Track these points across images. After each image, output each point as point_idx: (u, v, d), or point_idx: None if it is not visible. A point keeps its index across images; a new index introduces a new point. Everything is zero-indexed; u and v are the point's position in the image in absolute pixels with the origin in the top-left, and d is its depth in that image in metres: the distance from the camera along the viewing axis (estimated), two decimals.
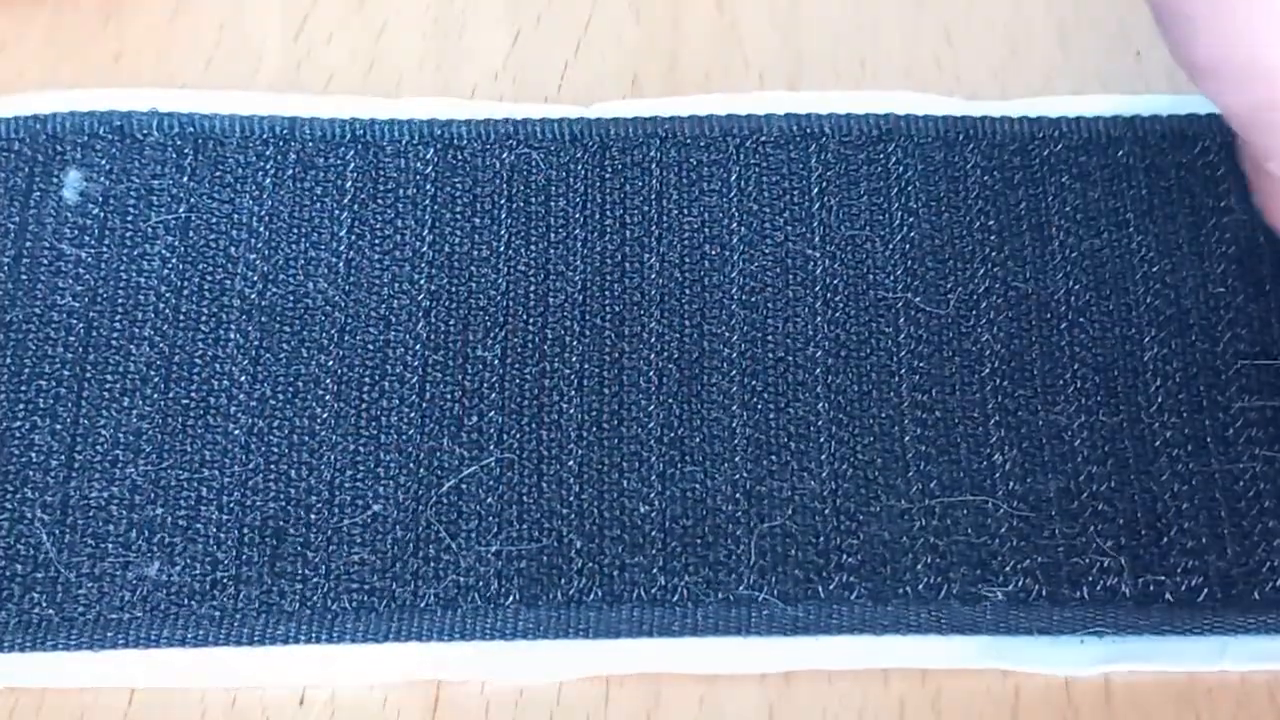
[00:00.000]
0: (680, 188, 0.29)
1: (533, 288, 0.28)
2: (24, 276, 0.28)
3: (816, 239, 0.29)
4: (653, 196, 0.29)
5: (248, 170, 0.30)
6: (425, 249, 0.29)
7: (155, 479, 0.27)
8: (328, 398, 0.27)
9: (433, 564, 0.26)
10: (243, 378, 0.28)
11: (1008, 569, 0.26)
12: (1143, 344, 0.27)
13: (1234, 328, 0.27)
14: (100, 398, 0.27)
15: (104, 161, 0.29)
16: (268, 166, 0.30)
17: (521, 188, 0.30)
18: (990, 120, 0.30)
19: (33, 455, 0.27)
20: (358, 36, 0.32)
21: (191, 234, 0.29)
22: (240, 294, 0.28)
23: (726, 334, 0.28)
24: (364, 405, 0.27)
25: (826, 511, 0.26)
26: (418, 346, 0.28)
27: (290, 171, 0.30)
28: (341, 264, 0.29)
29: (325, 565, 0.26)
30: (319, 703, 0.26)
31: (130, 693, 0.26)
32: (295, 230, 0.29)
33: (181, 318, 0.28)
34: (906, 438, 0.27)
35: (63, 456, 0.27)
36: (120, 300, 0.28)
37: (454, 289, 0.28)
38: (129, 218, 0.29)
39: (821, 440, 0.27)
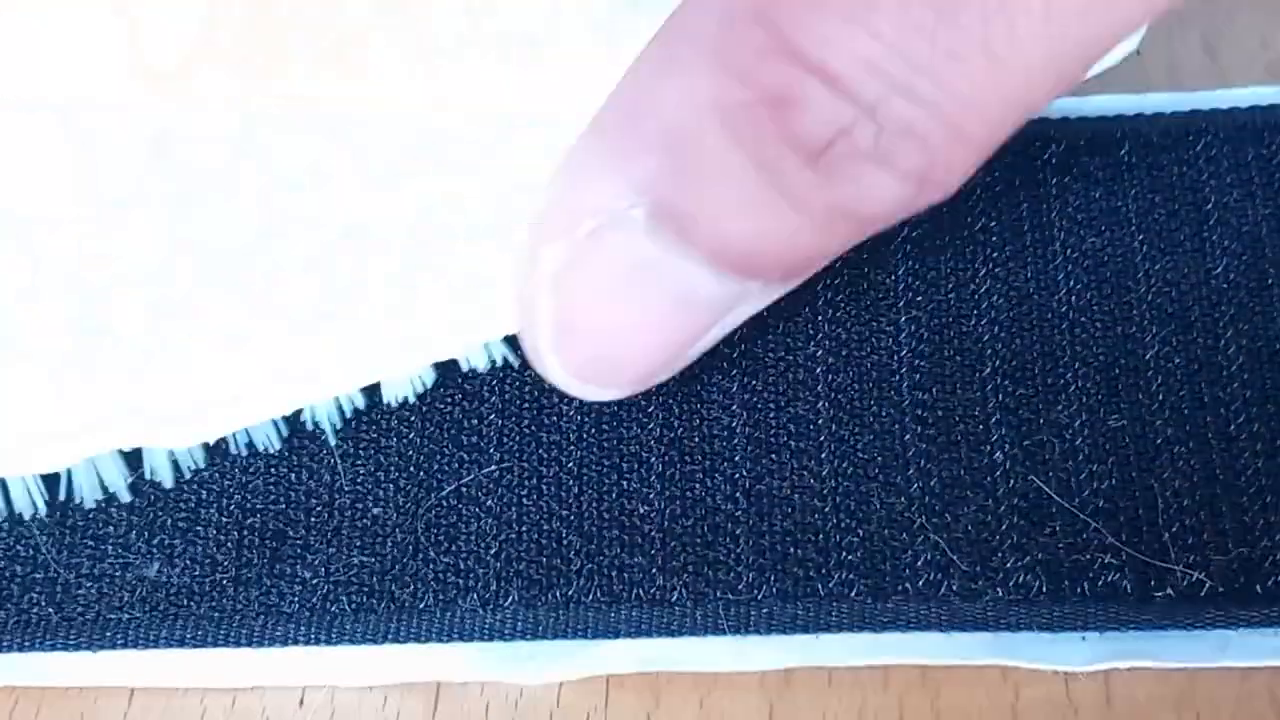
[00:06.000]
0: None
1: None
2: None
3: None
4: None
5: None
6: None
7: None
8: None
9: (432, 565, 0.26)
10: None
11: (1008, 565, 0.25)
12: (1144, 342, 0.27)
13: (1235, 325, 0.27)
14: None
15: None
16: None
17: None
18: None
19: None
20: None
21: None
22: None
23: None
24: (363, 406, 0.27)
25: (826, 510, 0.26)
26: None
27: None
28: None
29: (325, 567, 0.26)
30: (318, 703, 0.26)
31: (130, 694, 0.26)
32: None
33: None
34: (906, 437, 0.27)
35: None
36: None
37: None
38: None
39: (821, 440, 0.27)
